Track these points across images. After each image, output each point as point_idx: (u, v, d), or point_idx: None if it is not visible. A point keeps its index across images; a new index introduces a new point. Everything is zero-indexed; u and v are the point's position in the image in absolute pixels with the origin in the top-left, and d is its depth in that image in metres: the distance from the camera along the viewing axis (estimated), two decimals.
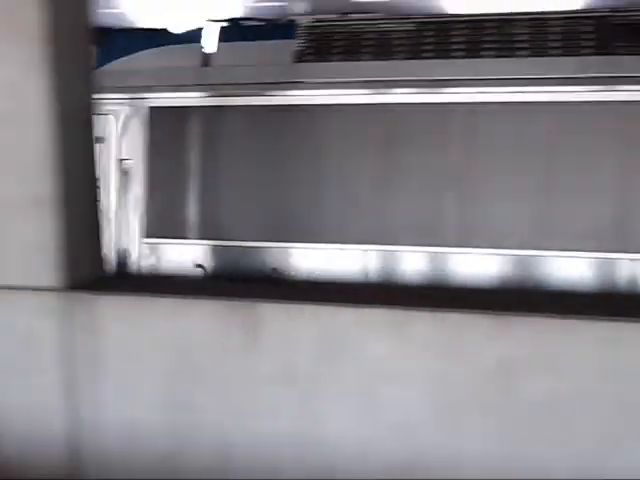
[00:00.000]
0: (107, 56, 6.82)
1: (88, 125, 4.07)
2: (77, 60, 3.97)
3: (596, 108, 5.65)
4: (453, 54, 6.08)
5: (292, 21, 7.10)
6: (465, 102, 5.86)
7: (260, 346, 3.63)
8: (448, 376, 3.45)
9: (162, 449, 3.76)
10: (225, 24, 7.47)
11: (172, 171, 6.37)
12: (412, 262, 5.95)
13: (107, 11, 11.15)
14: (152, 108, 6.40)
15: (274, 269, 6.21)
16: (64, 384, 3.85)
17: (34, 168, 3.82)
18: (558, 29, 6.00)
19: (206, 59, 6.54)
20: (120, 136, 6.51)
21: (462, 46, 6.10)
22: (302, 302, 3.63)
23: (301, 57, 6.31)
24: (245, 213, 6.25)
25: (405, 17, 6.40)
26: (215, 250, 6.36)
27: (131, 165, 6.46)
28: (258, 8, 11.38)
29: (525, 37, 6.03)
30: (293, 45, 6.37)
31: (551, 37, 6.00)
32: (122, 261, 6.53)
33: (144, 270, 6.49)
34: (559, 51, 5.89)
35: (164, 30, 9.96)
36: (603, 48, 5.83)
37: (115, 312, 3.85)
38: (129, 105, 6.47)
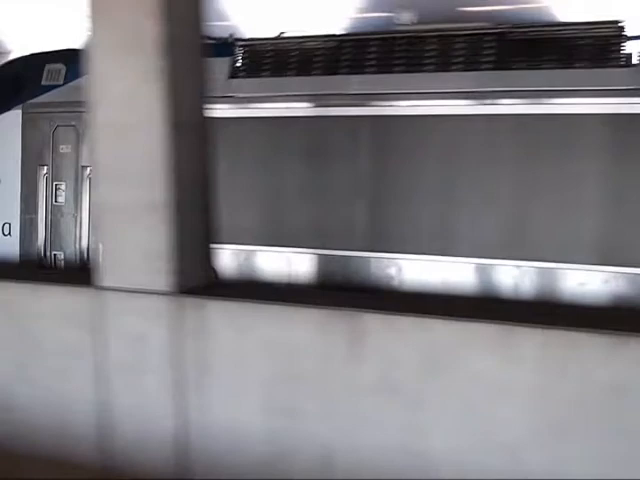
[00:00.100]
0: None
1: (202, 133, 4.17)
2: (191, 70, 4.09)
3: (493, 120, 6.04)
4: (367, 70, 6.56)
5: (232, 40, 7.74)
6: (376, 115, 6.36)
7: (363, 356, 3.63)
8: (555, 394, 3.37)
9: (264, 453, 3.81)
10: None
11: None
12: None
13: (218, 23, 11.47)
14: None
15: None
16: (173, 386, 3.94)
17: (149, 176, 3.94)
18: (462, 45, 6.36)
19: None
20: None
21: (375, 62, 6.56)
22: (407, 314, 3.62)
23: (236, 74, 6.92)
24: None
25: (326, 35, 6.97)
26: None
27: None
28: (365, 19, 11.48)
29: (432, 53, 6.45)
30: (230, 62, 6.92)
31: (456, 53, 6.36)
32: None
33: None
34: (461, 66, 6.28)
35: None
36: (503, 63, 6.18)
37: (223, 317, 3.92)
38: None
